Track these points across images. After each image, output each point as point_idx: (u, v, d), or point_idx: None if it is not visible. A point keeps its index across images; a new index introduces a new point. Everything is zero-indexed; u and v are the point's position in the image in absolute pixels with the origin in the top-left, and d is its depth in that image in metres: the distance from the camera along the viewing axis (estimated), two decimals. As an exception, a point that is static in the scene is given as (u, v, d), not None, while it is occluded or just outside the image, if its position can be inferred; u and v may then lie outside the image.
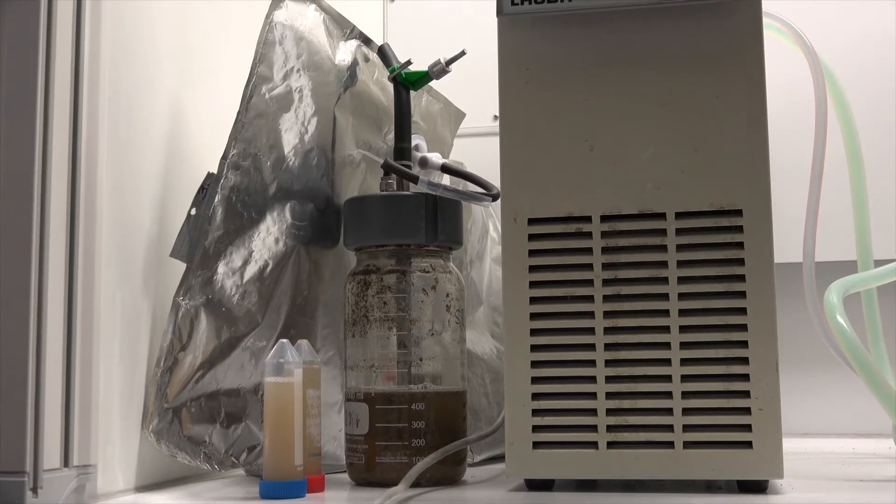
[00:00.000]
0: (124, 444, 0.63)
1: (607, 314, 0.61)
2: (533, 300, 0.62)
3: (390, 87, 0.74)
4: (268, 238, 0.70)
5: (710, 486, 0.63)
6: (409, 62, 0.72)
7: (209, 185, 0.67)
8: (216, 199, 0.67)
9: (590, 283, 0.62)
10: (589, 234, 0.62)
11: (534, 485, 0.63)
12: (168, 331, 0.65)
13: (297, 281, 0.72)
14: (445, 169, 0.77)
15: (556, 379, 0.61)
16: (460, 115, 0.93)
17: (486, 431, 0.71)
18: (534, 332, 0.62)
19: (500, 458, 0.79)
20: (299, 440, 0.61)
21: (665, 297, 0.61)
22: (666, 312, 0.61)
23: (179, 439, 0.65)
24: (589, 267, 0.62)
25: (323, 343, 0.75)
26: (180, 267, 0.67)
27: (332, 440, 0.75)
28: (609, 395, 0.61)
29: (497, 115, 0.64)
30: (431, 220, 0.68)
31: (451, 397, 0.68)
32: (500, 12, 0.63)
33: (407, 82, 0.73)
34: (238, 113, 0.69)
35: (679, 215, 0.61)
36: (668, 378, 0.60)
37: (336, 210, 0.75)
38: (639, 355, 0.61)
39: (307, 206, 0.73)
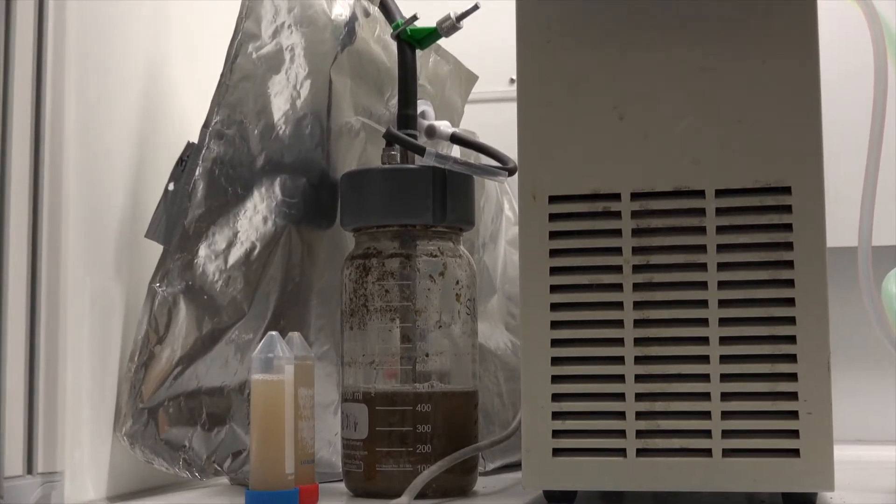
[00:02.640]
0: (94, 449, 0.64)
1: (638, 305, 0.61)
2: (554, 288, 0.62)
3: (393, 45, 0.74)
4: (255, 217, 0.71)
5: (752, 500, 0.64)
6: (414, 17, 0.72)
7: (189, 156, 0.68)
8: (197, 173, 0.67)
9: (618, 269, 0.62)
10: (617, 214, 0.62)
11: (553, 497, 0.63)
12: (143, 321, 0.66)
13: (288, 265, 0.73)
14: (455, 139, 0.77)
15: (579, 377, 0.62)
16: (472, 78, 0.93)
17: (499, 436, 0.72)
18: (554, 324, 0.62)
19: (515, 467, 0.80)
20: (290, 445, 0.62)
21: (703, 285, 0.61)
22: (704, 303, 0.61)
23: (156, 443, 0.66)
24: (617, 251, 0.62)
25: (317, 336, 0.75)
26: (157, 249, 0.67)
27: (327, 445, 0.76)
28: (639, 397, 0.61)
29: (514, 78, 0.64)
30: (440, 197, 0.68)
31: (460, 398, 0.69)
32: (518, -37, 0.63)
33: (412, 40, 0.73)
34: (221, 75, 0.69)
35: (719, 193, 0.61)
36: (705, 377, 0.61)
37: (332, 185, 0.75)
38: (673, 351, 0.61)
39: (299, 181, 0.73)
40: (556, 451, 0.62)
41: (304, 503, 0.63)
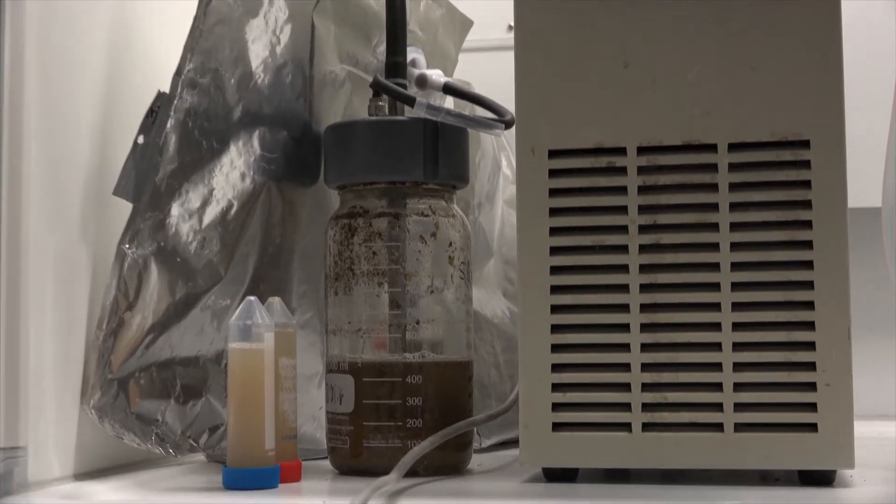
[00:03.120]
0: (60, 423, 0.64)
1: (644, 268, 0.61)
2: (554, 251, 0.62)
3: (381, -12, 0.73)
4: (232, 173, 0.70)
5: (766, 478, 0.63)
6: (404, -42, 0.72)
7: (160, 107, 0.67)
8: (168, 125, 0.67)
9: (623, 229, 0.61)
10: (623, 170, 0.62)
11: (553, 475, 0.63)
12: (112, 286, 0.65)
13: (267, 226, 0.72)
14: (448, 89, 0.76)
15: (581, 346, 0.62)
16: (467, 24, 0.92)
17: (496, 410, 0.72)
18: (555, 289, 0.62)
19: (512, 444, 0.80)
20: (271, 419, 0.62)
21: (714, 247, 0.61)
22: (716, 266, 0.61)
23: (126, 417, 0.66)
24: (622, 210, 0.61)
25: (299, 302, 0.75)
26: (126, 208, 0.67)
27: (310, 420, 0.75)
28: (645, 367, 0.61)
29: (512, 24, 0.64)
30: (431, 151, 0.68)
31: (454, 369, 0.68)
32: None
33: (402, -17, 0.72)
34: (195, 18, 0.68)
35: (733, 147, 0.61)
36: (716, 346, 0.60)
37: (315, 139, 0.75)
38: (682, 318, 0.61)
39: (280, 134, 0.73)
40: (557, 426, 0.62)
41: (285, 481, 0.63)
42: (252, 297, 0.62)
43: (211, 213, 0.69)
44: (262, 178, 0.72)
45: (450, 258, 0.69)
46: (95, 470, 0.67)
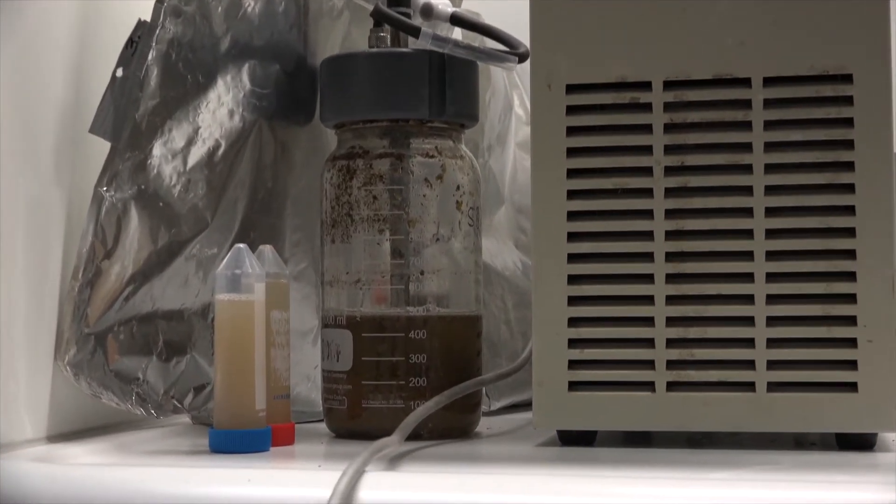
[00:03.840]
0: (32, 381, 0.64)
1: (670, 213, 0.61)
2: (572, 194, 0.62)
3: None
4: (219, 110, 0.70)
5: (801, 442, 0.64)
6: None
7: (140, 37, 0.67)
8: (150, 57, 0.67)
9: (647, 171, 0.61)
10: (647, 107, 0.62)
11: (569, 438, 0.63)
12: (88, 232, 0.66)
13: (258, 168, 0.72)
14: (456, 19, 0.76)
15: (600, 299, 0.62)
16: (477, -50, 0.92)
17: (507, 369, 0.72)
18: (572, 236, 0.62)
19: (525, 406, 0.80)
20: (261, 377, 0.62)
21: (747, 190, 0.61)
22: (748, 211, 0.61)
23: (104, 375, 0.66)
24: (647, 150, 0.61)
25: (293, 251, 0.75)
26: (104, 147, 0.67)
27: (304, 380, 0.76)
28: (671, 321, 0.61)
29: (526, -55, 0.64)
30: (437, 86, 0.68)
31: (461, 324, 0.69)
32: None
33: None
34: (178, -59, 0.68)
35: (768, 81, 0.61)
36: (748, 298, 0.61)
37: (310, 73, 0.75)
38: (711, 268, 0.61)
39: (272, 68, 0.73)
40: (573, 385, 0.62)
41: (277, 444, 0.64)
42: (241, 245, 0.62)
43: (196, 154, 0.69)
44: (253, 116, 0.72)
45: (457, 203, 0.69)
46: (70, 431, 0.67)
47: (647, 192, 0.61)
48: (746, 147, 0.61)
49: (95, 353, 0.66)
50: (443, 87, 0.68)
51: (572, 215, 0.62)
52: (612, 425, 0.62)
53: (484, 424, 0.72)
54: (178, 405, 0.69)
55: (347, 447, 0.65)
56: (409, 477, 0.54)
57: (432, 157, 0.68)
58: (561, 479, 0.52)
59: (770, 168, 0.61)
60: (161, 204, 0.67)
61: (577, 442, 0.63)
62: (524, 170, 0.89)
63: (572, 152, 0.62)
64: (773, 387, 0.60)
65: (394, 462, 0.58)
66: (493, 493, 0.51)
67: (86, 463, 0.60)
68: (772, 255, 0.60)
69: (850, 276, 0.60)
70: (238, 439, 0.61)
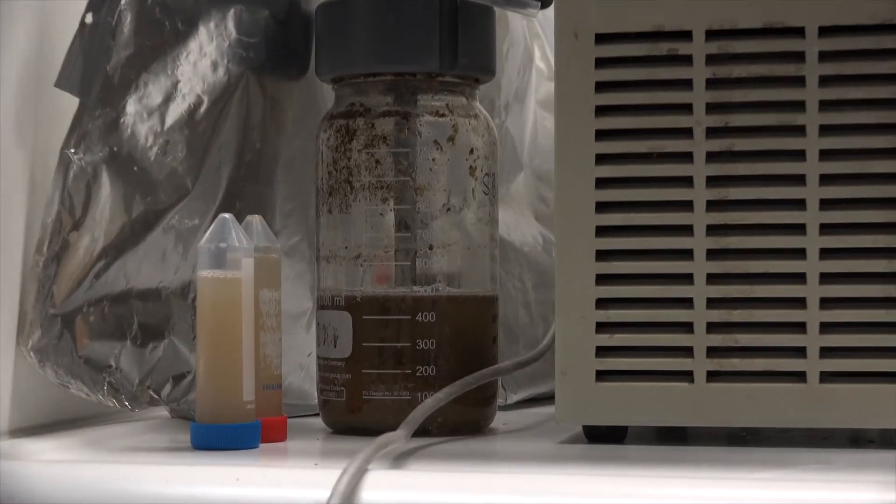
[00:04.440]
0: (-9, 367, 0.65)
1: (712, 181, 0.62)
2: (601, 159, 0.63)
3: None
4: (201, 62, 0.70)
5: (858, 439, 0.64)
6: None
7: (112, -21, 0.67)
8: (123, 1, 0.67)
9: (687, 133, 0.62)
10: (687, 59, 0.62)
11: (596, 435, 0.64)
12: (54, 200, 0.66)
13: (245, 128, 0.73)
14: (470, -40, 0.76)
15: (632, 278, 0.62)
16: None
17: (526, 357, 0.73)
18: (601, 207, 0.63)
19: (546, 399, 0.81)
20: (249, 365, 0.62)
21: (800, 155, 0.61)
22: (801, 179, 0.61)
23: (72, 362, 0.67)
24: (686, 109, 0.62)
25: (285, 223, 0.76)
26: (72, 104, 0.67)
27: (297, 369, 0.77)
28: (712, 303, 0.62)
29: None
30: (448, 36, 0.68)
31: (475, 305, 0.69)
32: None
33: None
34: None
35: (824, 31, 0.61)
36: (800, 277, 0.61)
37: (304, 20, 0.75)
38: (758, 243, 0.61)
39: (260, 14, 0.73)
40: (601, 375, 0.63)
41: (268, 440, 0.64)
42: (226, 215, 0.63)
43: (175, 112, 0.69)
44: (239, 69, 0.72)
45: (471, 169, 0.69)
46: (36, 425, 0.67)
47: (687, 157, 0.62)
48: (799, 106, 0.61)
49: (62, 337, 0.66)
50: (455, 37, 0.68)
51: (601, 183, 0.63)
52: (644, 420, 0.63)
53: (500, 420, 0.72)
54: (156, 396, 0.70)
55: (346, 444, 0.65)
56: (416, 476, 0.55)
57: (442, 115, 0.69)
58: (587, 480, 0.53)
59: (825, 129, 0.61)
60: (135, 168, 0.68)
61: (605, 439, 0.64)
62: (546, 132, 0.90)
63: (601, 111, 0.63)
64: (827, 377, 0.61)
65: (399, 460, 0.58)
66: (511, 494, 0.52)
67: (53, 460, 0.60)
68: (826, 229, 0.61)
69: (916, 253, 0.60)
70: (224, 434, 0.62)
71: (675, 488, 0.51)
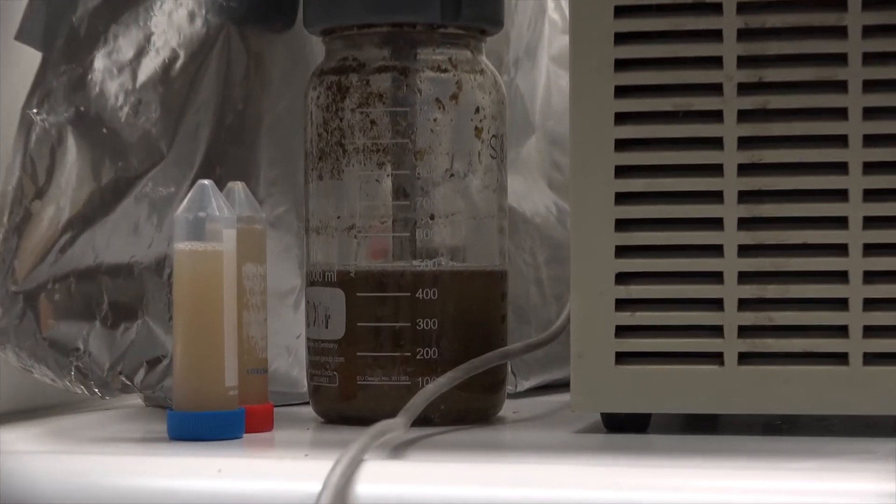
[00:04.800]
0: (-54, 351, 0.65)
1: (744, 142, 0.62)
2: (621, 119, 0.63)
3: None
4: (177, 12, 0.71)
5: (906, 427, 0.65)
6: None
7: (78, -80, 0.67)
8: (90, -55, 0.67)
9: (716, 89, 0.62)
10: (717, 7, 0.62)
11: (616, 423, 0.64)
12: (14, 165, 0.66)
13: (226, 86, 0.73)
14: None
15: (655, 249, 0.63)
16: None
17: (538, 339, 0.73)
18: (621, 171, 0.63)
19: (560, 386, 0.81)
20: (232, 347, 0.63)
21: (841, 114, 0.61)
22: (842, 140, 0.61)
23: (36, 344, 0.67)
24: (715, 63, 0.62)
25: (270, 191, 0.76)
26: (34, 59, 0.67)
27: (284, 353, 0.77)
28: (744, 277, 0.62)
29: None
30: (451, -18, 0.68)
31: (481, 281, 0.70)
32: None
33: None
34: None
35: (869, -24, 0.61)
36: (841, 249, 0.61)
37: (291, -34, 0.75)
38: (794, 210, 0.62)
39: (242, -42, 0.73)
40: (621, 357, 0.63)
41: (253, 430, 0.65)
42: (205, 182, 0.63)
43: (148, 67, 0.70)
44: (219, 20, 0.72)
45: (477, 130, 0.70)
46: (-4, 414, 0.68)
47: (716, 116, 0.62)
48: (840, 59, 0.61)
49: (25, 317, 0.66)
50: (458, -17, 0.69)
51: (621, 145, 0.63)
52: (669, 407, 0.63)
53: (509, 408, 0.73)
54: (128, 383, 0.70)
55: (339, 434, 0.66)
56: (416, 467, 0.55)
57: (445, 71, 0.69)
58: (605, 471, 0.53)
59: (870, 85, 0.61)
60: (105, 130, 0.68)
61: (625, 428, 0.64)
62: (560, 90, 0.89)
63: (621, 65, 0.63)
64: (871, 359, 0.61)
65: (398, 450, 0.58)
66: (521, 486, 0.52)
67: (17, 451, 0.60)
68: (871, 195, 0.61)
69: (967, 220, 0.61)
70: (204, 423, 0.62)
71: (702, 479, 0.52)
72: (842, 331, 0.61)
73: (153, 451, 0.61)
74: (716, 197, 0.62)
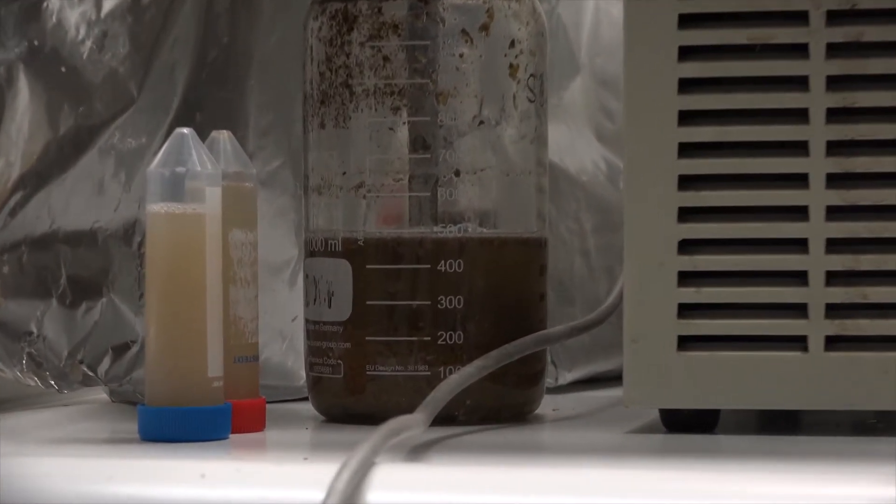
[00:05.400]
0: None
1: (834, 81, 0.62)
2: (686, 53, 0.63)
3: None
4: (150, -75, 0.71)
5: None
6: None
7: None
8: None
9: (800, 18, 0.62)
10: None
11: (678, 422, 0.65)
12: (-45, 111, 0.67)
13: (207, 16, 0.73)
14: None
15: (727, 213, 0.63)
16: None
17: (584, 320, 0.74)
18: (686, 117, 0.63)
19: (609, 379, 0.82)
20: (216, 331, 0.63)
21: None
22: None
23: (-21, 326, 0.68)
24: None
25: (261, 142, 0.77)
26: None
27: (277, 338, 0.78)
28: (833, 245, 0.62)
29: None
30: None
31: (516, 252, 0.70)
32: None
33: None
34: None
35: None
36: (950, 212, 0.62)
37: None
38: (893, 165, 0.62)
39: None
40: (685, 342, 0.63)
41: (240, 429, 0.65)
42: (184, 130, 0.63)
43: (114, -6, 0.71)
44: (199, -65, 0.73)
45: (511, 68, 0.70)
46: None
47: (800, 50, 0.62)
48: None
49: (-34, 294, 0.68)
50: None
51: (686, 85, 0.63)
52: (742, 402, 0.63)
53: (548, 404, 0.74)
54: (90, 373, 0.70)
55: (345, 434, 0.66)
56: (437, 472, 0.55)
57: (472, -3, 0.69)
58: (664, 477, 0.53)
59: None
60: (63, 69, 0.68)
61: (689, 427, 0.64)
62: (612, 21, 0.89)
63: (686, -10, 0.63)
64: None
65: (416, 452, 0.59)
66: (563, 495, 0.52)
67: None
68: None
69: None
70: (183, 421, 0.62)
71: (780, 487, 0.52)
72: (951, 310, 0.62)
73: (122, 453, 0.61)
74: (800, 148, 0.63)
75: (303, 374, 0.73)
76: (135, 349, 0.71)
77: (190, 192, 0.63)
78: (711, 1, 0.63)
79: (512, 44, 0.70)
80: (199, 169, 0.63)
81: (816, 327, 0.63)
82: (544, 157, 0.72)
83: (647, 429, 0.66)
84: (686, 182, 0.63)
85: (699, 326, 0.64)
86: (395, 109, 0.69)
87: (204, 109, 0.73)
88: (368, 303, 0.69)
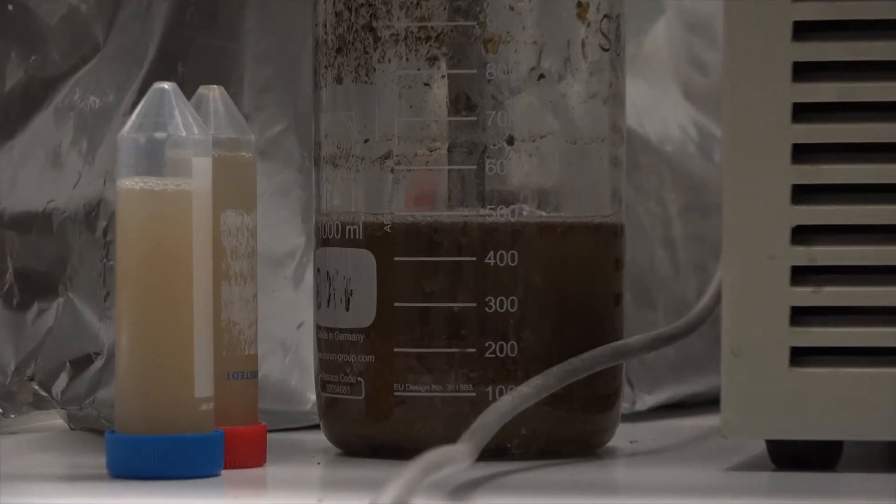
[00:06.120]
0: None
1: None
2: (800, -9, 0.64)
3: None
4: None
5: None
6: None
7: None
8: None
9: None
10: None
11: (790, 456, 0.65)
12: None
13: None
14: None
15: (853, 191, 0.64)
16: None
17: (668, 330, 0.74)
18: (801, 70, 0.64)
19: (699, 404, 0.83)
20: (205, 340, 0.64)
21: None
22: None
23: None
24: None
25: (259, 101, 0.77)
26: None
27: (278, 350, 0.78)
28: None
29: None
30: None
31: (583, 242, 0.71)
32: None
33: None
34: None
35: None
36: None
37: None
38: None
39: None
40: (800, 356, 0.64)
41: (235, 463, 0.66)
42: (164, 85, 0.63)
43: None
44: None
45: (579, 7, 0.70)
46: None
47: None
48: None
49: None
50: None
51: (801, 29, 0.64)
52: (870, 432, 0.64)
53: (624, 434, 0.75)
54: (43, 393, 0.71)
55: (366, 471, 0.67)
56: None
57: (530, -84, 0.70)
58: None
59: None
60: (10, 7, 0.69)
61: (805, 463, 0.65)
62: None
63: None
64: None
65: (458, 494, 0.59)
66: None
67: None
68: None
69: None
70: (163, 454, 0.63)
71: None
72: None
73: (86, 493, 0.61)
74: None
75: (311, 395, 0.73)
76: (99, 363, 0.72)
77: (171, 163, 0.63)
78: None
79: (579, -20, 0.71)
80: (182, 134, 0.63)
81: (967, 338, 0.63)
82: (621, 120, 0.72)
83: (751, 465, 0.67)
84: (803, 153, 0.64)
85: (818, 336, 0.64)
86: (432, 59, 0.69)
87: (188, 59, 0.74)
88: (397, 305, 0.70)
